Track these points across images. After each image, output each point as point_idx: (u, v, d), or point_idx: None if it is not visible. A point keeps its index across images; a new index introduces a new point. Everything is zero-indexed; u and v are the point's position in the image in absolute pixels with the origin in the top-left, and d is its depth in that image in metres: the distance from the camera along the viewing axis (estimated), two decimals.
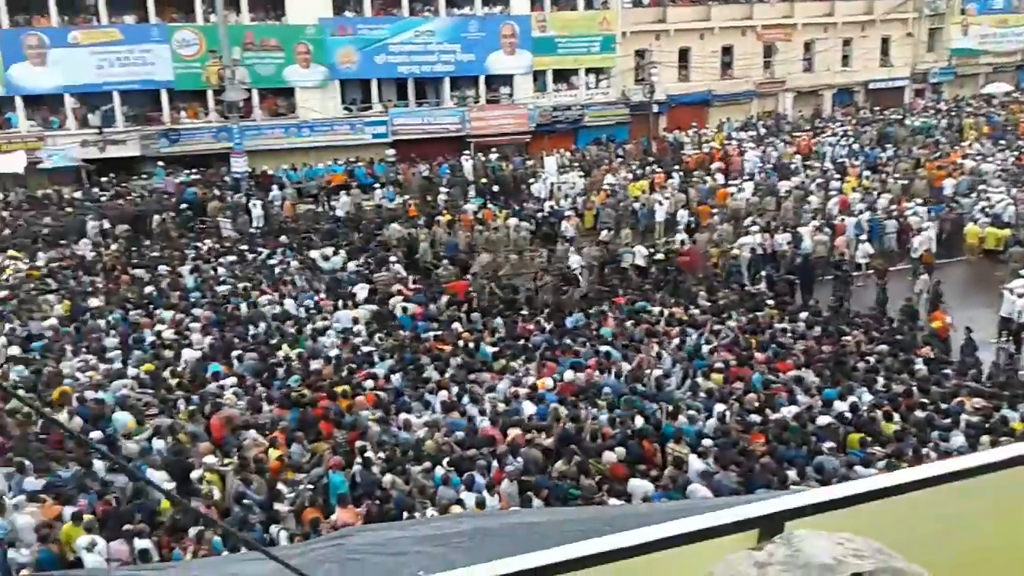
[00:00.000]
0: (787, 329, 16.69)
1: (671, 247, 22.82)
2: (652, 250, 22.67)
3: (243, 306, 18.35)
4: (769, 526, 1.42)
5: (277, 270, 21.61)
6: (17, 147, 33.39)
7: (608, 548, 1.40)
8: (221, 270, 21.76)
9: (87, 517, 10.08)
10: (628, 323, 16.99)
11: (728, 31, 43.03)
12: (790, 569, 1.14)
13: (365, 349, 15.99)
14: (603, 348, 15.43)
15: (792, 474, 10.71)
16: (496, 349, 15.73)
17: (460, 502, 10.38)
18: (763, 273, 21.06)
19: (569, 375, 14.10)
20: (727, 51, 43.51)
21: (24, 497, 10.74)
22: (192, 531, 9.73)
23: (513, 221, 26.07)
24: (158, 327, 17.12)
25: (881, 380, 13.82)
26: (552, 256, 22.87)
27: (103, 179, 33.50)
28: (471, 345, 15.86)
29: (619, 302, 18.70)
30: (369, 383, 14.01)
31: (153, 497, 10.87)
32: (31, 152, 33.36)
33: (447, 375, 14.31)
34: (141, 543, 9.63)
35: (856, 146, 35.90)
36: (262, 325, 17.31)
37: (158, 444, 11.92)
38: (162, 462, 11.37)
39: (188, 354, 15.64)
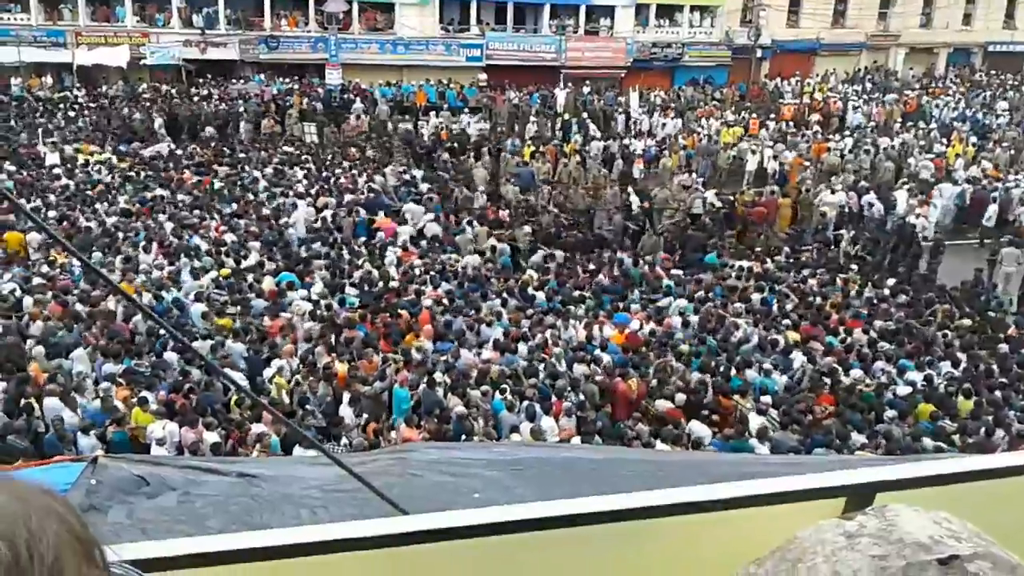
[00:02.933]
0: (869, 293, 16.18)
1: (745, 197, 22.14)
2: (731, 198, 22.07)
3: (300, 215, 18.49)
4: (858, 496, 1.35)
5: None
6: (122, 42, 34.14)
7: (687, 499, 1.36)
8: (300, 173, 22.13)
9: (155, 406, 10.48)
10: (703, 275, 16.67)
11: None
12: (881, 544, 1.07)
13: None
14: (669, 301, 15.16)
15: (859, 438, 10.49)
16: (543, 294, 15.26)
17: (517, 429, 10.49)
18: (844, 232, 20.37)
19: (637, 325, 13.94)
20: None
21: (104, 380, 11.23)
22: (254, 430, 10.03)
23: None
24: (213, 233, 17.26)
25: (961, 355, 13.32)
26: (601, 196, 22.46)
27: (201, 80, 34.13)
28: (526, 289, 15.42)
29: (665, 259, 18.20)
30: (428, 301, 14.09)
31: (227, 393, 11.27)
32: (135, 48, 34.08)
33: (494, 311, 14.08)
34: (211, 436, 9.99)
35: (967, 111, 34.17)
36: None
37: (231, 344, 12.23)
38: (235, 361, 11.70)
39: (246, 262, 15.71)
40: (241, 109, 29.32)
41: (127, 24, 34.97)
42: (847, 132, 29.95)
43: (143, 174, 21.77)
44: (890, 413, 11.02)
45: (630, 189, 22.21)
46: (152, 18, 35.36)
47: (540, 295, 15.08)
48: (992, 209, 21.60)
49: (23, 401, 10.41)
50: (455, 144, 26.62)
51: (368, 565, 1.39)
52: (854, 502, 1.33)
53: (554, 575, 1.40)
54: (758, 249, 18.87)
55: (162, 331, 12.19)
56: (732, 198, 22.03)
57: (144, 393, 10.67)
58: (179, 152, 24.62)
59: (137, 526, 3.19)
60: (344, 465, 2.18)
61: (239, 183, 21.12)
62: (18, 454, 9.35)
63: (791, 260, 18.00)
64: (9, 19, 34.31)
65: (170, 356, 11.92)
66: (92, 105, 30.20)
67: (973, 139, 29.09)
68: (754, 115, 31.86)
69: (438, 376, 11.51)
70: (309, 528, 1.41)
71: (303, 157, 24.44)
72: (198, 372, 11.45)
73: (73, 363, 11.54)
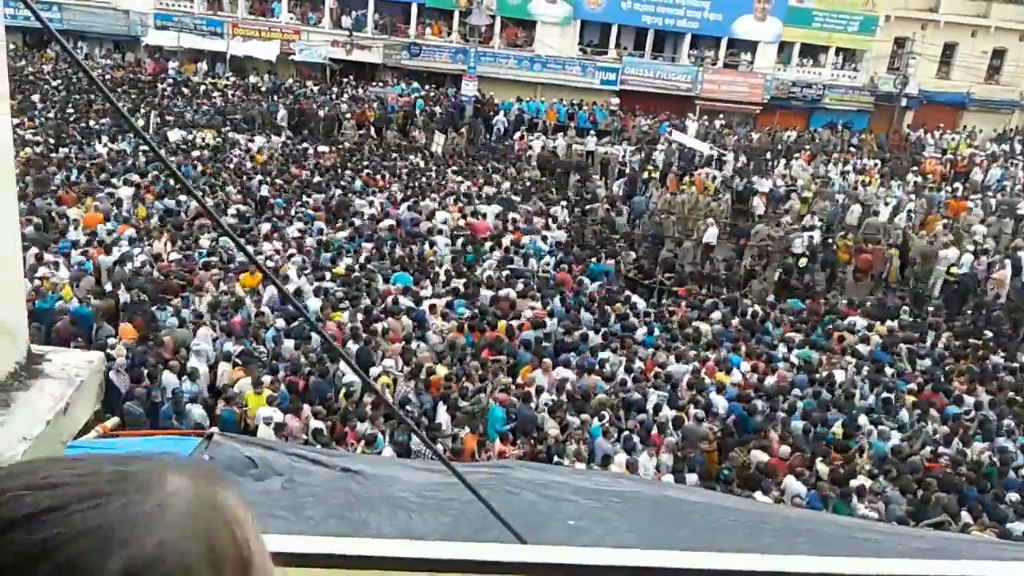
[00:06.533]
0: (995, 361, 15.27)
1: (847, 241, 21.36)
2: (829, 240, 21.37)
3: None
4: None
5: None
6: (275, 36, 35.75)
7: (854, 572, 1.29)
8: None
9: (269, 392, 10.77)
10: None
11: (1005, 32, 38.99)
12: None
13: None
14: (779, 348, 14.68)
15: (966, 516, 9.90)
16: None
17: (611, 459, 10.34)
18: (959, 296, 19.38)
19: (745, 366, 13.55)
20: (998, 54, 39.61)
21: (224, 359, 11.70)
22: (360, 427, 10.22)
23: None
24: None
25: None
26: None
27: (343, 79, 35.35)
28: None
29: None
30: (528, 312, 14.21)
31: (334, 385, 11.55)
32: (286, 43, 35.63)
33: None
34: (316, 423, 10.24)
35: None
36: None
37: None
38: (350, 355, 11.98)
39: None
40: (363, 111, 30.11)
41: (281, 20, 36.56)
42: (989, 193, 28.50)
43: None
44: (1013, 496, 10.33)
45: (710, 220, 21.70)
46: (305, 16, 36.86)
47: (642, 330, 14.84)
48: None
49: (146, 369, 10.93)
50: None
51: None
52: None
53: None
54: (868, 305, 18.03)
55: (278, 321, 12.62)
56: (831, 240, 21.34)
57: (259, 376, 11.05)
58: (307, 148, 25.56)
59: None
60: (464, 480, 2.19)
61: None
62: (134, 420, 9.82)
63: (916, 320, 17.20)
64: (172, 5, 36.39)
65: (287, 343, 12.30)
66: (229, 94, 31.69)
67: None
68: (887, 165, 30.70)
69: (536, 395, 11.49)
70: (424, 544, 1.42)
71: (429, 166, 24.99)
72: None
73: (196, 339, 12.05)
